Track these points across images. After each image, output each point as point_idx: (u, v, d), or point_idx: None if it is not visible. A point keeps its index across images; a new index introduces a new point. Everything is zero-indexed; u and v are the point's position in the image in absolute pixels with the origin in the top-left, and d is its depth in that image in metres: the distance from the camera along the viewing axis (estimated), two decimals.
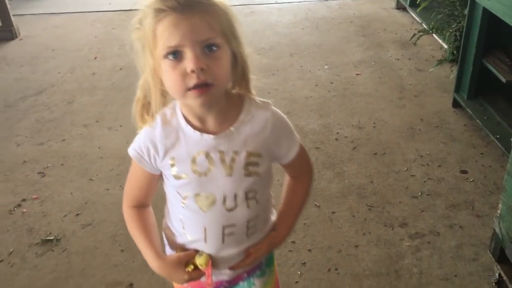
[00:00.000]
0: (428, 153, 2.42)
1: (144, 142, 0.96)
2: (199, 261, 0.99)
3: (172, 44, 0.82)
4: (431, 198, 2.12)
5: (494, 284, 1.69)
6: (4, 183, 2.31)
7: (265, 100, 0.98)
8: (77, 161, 2.45)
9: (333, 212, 2.05)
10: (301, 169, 1.08)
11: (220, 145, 0.93)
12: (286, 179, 1.09)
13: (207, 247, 1.00)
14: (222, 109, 0.93)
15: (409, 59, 3.41)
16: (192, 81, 0.83)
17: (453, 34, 3.02)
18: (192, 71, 0.82)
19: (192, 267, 0.99)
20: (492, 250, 1.65)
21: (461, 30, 2.82)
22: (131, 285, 1.76)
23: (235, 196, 0.95)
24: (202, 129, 0.93)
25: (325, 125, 2.66)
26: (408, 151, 2.44)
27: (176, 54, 0.83)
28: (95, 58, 3.57)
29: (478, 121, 2.51)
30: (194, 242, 1.01)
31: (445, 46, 3.32)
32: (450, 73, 3.08)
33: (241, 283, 1.11)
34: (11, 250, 1.93)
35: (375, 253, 1.85)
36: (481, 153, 2.40)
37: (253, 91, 0.96)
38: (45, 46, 3.82)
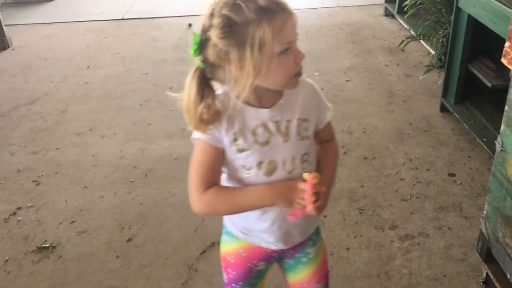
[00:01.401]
0: (417, 156, 2.47)
1: None
2: (305, 175, 1.02)
3: (289, 41, 0.94)
4: (420, 200, 2.17)
5: (482, 283, 1.73)
6: None
7: None
8: (71, 169, 2.47)
9: (325, 216, 2.09)
10: (329, 134, 1.19)
11: (274, 117, 1.04)
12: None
13: (274, 211, 1.08)
14: None
15: (398, 65, 3.48)
16: (298, 68, 0.99)
17: (440, 41, 3.09)
18: (300, 61, 0.98)
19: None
20: (479, 250, 1.70)
21: (447, 36, 2.89)
22: None
23: (293, 160, 1.06)
24: (257, 106, 1.03)
25: None
26: (398, 155, 2.49)
27: (287, 49, 0.95)
28: (88, 67, 3.60)
29: (465, 125, 2.57)
30: (261, 210, 1.08)
31: (433, 52, 3.39)
32: (438, 78, 3.14)
33: (297, 255, 1.22)
34: (7, 257, 1.95)
35: (366, 255, 1.89)
36: (469, 156, 2.45)
37: None
38: (37, 56, 3.84)
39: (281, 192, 1.02)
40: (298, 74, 1.00)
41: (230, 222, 1.18)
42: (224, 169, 1.08)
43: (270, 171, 1.05)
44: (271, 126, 1.04)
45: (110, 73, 3.49)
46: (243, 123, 1.02)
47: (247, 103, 1.02)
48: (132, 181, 2.37)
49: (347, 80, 3.28)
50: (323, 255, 1.26)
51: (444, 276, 1.80)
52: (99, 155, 2.58)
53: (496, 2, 2.12)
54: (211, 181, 1.04)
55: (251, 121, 1.03)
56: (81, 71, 3.55)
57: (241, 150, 1.03)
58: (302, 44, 0.97)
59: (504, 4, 2.07)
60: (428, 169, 2.37)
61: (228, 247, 1.20)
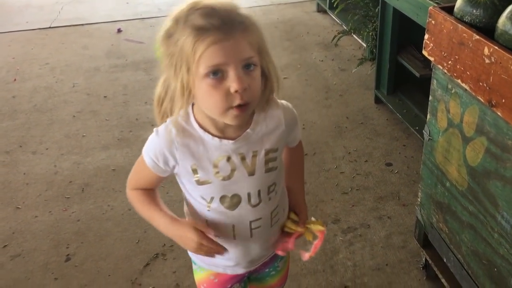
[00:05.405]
0: (355, 149, 2.51)
1: (160, 149, 0.96)
2: (315, 227, 1.07)
3: (216, 63, 0.83)
4: (360, 192, 2.21)
5: (422, 268, 1.79)
6: None
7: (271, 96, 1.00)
8: (0, 190, 2.33)
9: None
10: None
11: (240, 148, 0.96)
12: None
13: (236, 243, 1.04)
14: None
15: (332, 59, 3.54)
16: (236, 101, 0.85)
17: (370, 34, 3.16)
18: (236, 91, 0.84)
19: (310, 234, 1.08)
20: (417, 236, 1.75)
21: (376, 29, 2.96)
22: None
23: (259, 193, 1.00)
24: (221, 136, 0.95)
25: None
26: (337, 149, 2.52)
27: (217, 73, 0.84)
28: (14, 80, 3.42)
29: (398, 114, 2.65)
30: (223, 241, 1.02)
31: (364, 45, 3.47)
32: (370, 70, 3.22)
33: (266, 270, 1.18)
34: None
35: None
36: (404, 145, 2.53)
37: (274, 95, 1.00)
38: None
39: (178, 236, 0.99)
40: (238, 107, 0.86)
41: (193, 255, 1.14)
42: (187, 197, 1.05)
43: (233, 205, 0.99)
44: (235, 159, 0.95)
45: (39, 85, 3.32)
46: (204, 155, 0.94)
47: (209, 132, 0.94)
48: (68, 197, 2.27)
49: (284, 78, 3.29)
50: (288, 261, 1.26)
51: (387, 264, 1.84)
52: (30, 172, 2.45)
53: None
54: (141, 187, 1.04)
55: (213, 153, 0.95)
56: (7, 85, 3.36)
57: (201, 183, 0.97)
58: None
59: None
60: (366, 161, 2.42)
61: (199, 275, 1.17)
